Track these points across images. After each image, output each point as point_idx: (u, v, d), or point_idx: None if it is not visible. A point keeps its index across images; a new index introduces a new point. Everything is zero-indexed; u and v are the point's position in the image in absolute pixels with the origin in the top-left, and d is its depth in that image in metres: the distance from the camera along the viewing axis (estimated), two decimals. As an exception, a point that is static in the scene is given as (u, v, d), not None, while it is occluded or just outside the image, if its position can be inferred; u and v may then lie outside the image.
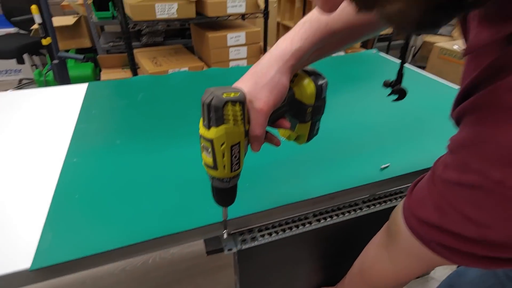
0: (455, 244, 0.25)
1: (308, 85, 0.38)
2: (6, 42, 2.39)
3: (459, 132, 0.25)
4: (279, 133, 0.44)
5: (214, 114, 0.30)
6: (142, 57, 1.73)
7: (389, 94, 0.42)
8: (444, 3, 0.21)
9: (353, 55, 1.13)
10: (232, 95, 0.31)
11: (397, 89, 0.41)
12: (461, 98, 0.24)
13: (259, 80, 0.34)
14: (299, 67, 0.38)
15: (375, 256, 0.39)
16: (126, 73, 1.96)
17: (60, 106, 0.76)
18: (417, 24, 0.20)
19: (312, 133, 0.43)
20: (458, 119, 0.25)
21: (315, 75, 0.39)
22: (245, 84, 0.34)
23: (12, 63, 2.77)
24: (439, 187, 0.25)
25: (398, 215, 0.33)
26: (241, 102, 0.31)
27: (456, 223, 0.24)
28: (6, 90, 2.72)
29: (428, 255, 0.28)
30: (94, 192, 0.49)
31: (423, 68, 2.34)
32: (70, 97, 0.80)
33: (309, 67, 0.40)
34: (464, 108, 0.23)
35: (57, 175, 0.52)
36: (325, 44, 0.37)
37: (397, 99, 0.42)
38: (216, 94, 0.30)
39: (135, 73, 1.59)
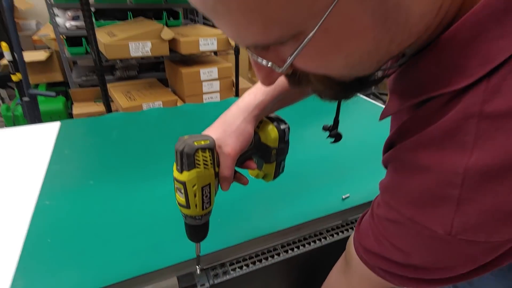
0: (392, 268, 0.30)
1: (272, 130, 0.43)
2: (-30, 77, 2.32)
3: (385, 176, 0.30)
4: (249, 172, 0.48)
5: (186, 160, 0.34)
6: (116, 91, 1.75)
7: (327, 137, 0.48)
8: (348, 86, 0.27)
9: None
10: (202, 142, 0.35)
11: (333, 133, 0.47)
12: (386, 149, 0.30)
13: (227, 129, 0.39)
14: (263, 116, 0.44)
15: (335, 281, 0.43)
16: (99, 106, 1.96)
17: (31, 146, 0.76)
18: (334, 98, 0.27)
19: (277, 172, 0.48)
20: (385, 166, 0.31)
21: (278, 121, 0.44)
22: (214, 132, 0.39)
23: (-25, 96, 2.67)
24: (375, 221, 0.30)
25: (351, 245, 0.38)
26: (210, 148, 0.36)
27: (389, 251, 0.29)
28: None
29: (376, 278, 0.33)
30: (67, 235, 0.49)
31: (385, 95, 2.52)
32: (42, 136, 0.81)
33: (273, 114, 0.46)
34: (386, 158, 0.29)
35: (28, 218, 0.52)
36: (285, 96, 0.43)
37: (334, 142, 0.48)
38: (188, 143, 0.34)
39: (108, 107, 1.60)
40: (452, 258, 0.26)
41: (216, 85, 1.78)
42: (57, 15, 1.91)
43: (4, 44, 1.50)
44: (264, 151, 0.44)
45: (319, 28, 0.20)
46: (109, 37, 1.48)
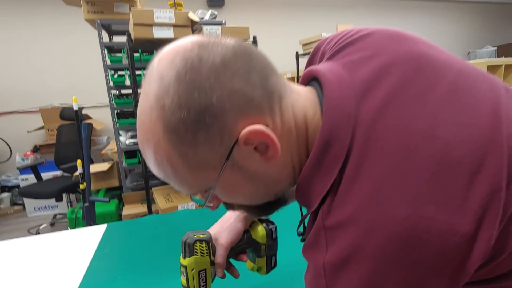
0: None
1: (260, 229, 0.58)
2: (51, 184, 2.86)
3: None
4: (246, 265, 0.61)
5: (187, 248, 0.51)
6: (158, 194, 2.04)
7: (301, 240, 0.60)
8: (262, 208, 0.45)
9: None
10: (201, 236, 0.52)
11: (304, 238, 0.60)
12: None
13: (223, 225, 0.57)
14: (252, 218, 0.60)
15: None
16: (144, 207, 2.25)
17: (81, 246, 0.97)
18: (257, 215, 0.44)
19: (269, 266, 0.60)
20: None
21: (267, 222, 0.59)
22: (214, 228, 0.57)
23: (50, 200, 3.20)
24: None
25: None
26: (207, 241, 0.52)
27: None
28: (41, 224, 3.03)
29: None
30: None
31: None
32: (91, 237, 1.02)
33: (264, 216, 0.60)
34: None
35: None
36: None
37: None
38: (190, 235, 0.52)
39: (149, 208, 1.87)
40: None
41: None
42: (121, 135, 2.42)
43: (79, 161, 1.93)
44: (255, 246, 0.58)
45: (218, 186, 0.38)
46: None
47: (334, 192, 0.34)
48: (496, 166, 0.31)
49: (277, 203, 0.45)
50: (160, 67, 0.34)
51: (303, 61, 3.30)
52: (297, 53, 3.00)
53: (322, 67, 0.41)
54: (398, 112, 0.33)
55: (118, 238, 1.02)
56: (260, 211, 0.46)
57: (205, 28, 1.69)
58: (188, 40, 0.36)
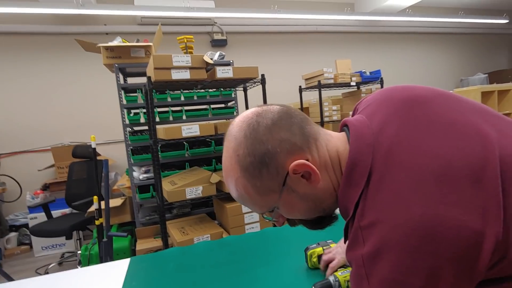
0: None
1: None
2: (61, 222, 2.87)
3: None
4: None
5: None
6: (172, 228, 2.06)
7: None
8: (315, 223, 0.59)
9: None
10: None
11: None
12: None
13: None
14: None
15: None
16: (157, 242, 2.26)
17: (107, 281, 1.00)
18: (313, 228, 0.58)
19: None
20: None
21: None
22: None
23: (59, 238, 3.18)
24: None
25: None
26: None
27: None
28: (49, 264, 3.00)
29: None
30: None
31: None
32: (116, 272, 1.05)
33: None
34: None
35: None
36: None
37: None
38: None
39: (166, 242, 1.89)
40: None
41: (256, 216, 2.04)
42: (134, 170, 2.49)
43: (95, 197, 1.98)
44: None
45: (279, 205, 0.53)
46: (171, 185, 1.90)
47: (364, 199, 0.46)
48: (492, 176, 0.41)
49: (328, 218, 0.58)
50: (234, 131, 0.52)
51: (306, 94, 3.46)
52: (300, 87, 3.16)
53: (351, 118, 0.57)
54: (408, 140, 0.46)
55: (144, 272, 1.05)
56: (314, 224, 0.59)
57: (218, 69, 1.83)
58: (250, 112, 0.54)
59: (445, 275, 0.39)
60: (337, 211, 0.57)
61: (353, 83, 2.91)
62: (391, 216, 0.41)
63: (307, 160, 0.50)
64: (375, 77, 2.96)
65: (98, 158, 3.41)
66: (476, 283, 0.41)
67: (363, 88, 3.03)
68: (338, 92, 3.70)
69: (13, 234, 3.47)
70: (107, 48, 2.21)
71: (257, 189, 0.51)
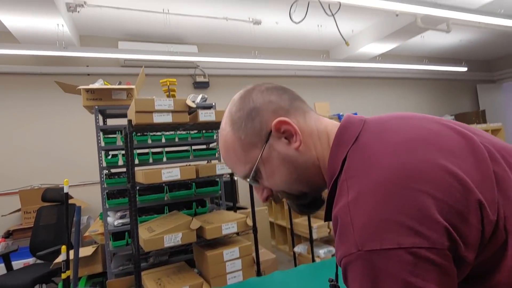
0: None
1: None
2: (23, 275, 2.60)
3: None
4: None
5: None
6: (148, 279, 1.91)
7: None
8: (302, 201, 0.61)
9: (330, 261, 1.34)
10: None
11: (333, 284, 0.62)
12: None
13: None
14: None
15: None
16: (130, 296, 2.07)
17: None
18: (300, 211, 0.60)
19: None
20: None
21: None
22: None
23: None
24: None
25: None
26: None
27: None
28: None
29: None
30: None
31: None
32: None
33: None
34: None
35: None
36: None
37: None
38: None
39: (140, 296, 1.72)
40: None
41: (238, 264, 1.93)
42: (109, 215, 2.35)
43: (64, 247, 1.83)
44: None
45: (260, 164, 0.55)
46: (148, 233, 1.80)
47: (351, 155, 0.49)
48: (480, 150, 0.45)
49: (313, 199, 0.59)
50: (235, 96, 0.59)
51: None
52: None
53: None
54: (387, 133, 0.49)
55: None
56: (299, 200, 0.59)
57: (201, 112, 1.85)
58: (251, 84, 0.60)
59: (432, 211, 0.38)
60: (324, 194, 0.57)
61: (332, 125, 3.01)
62: (377, 163, 0.44)
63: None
64: (352, 120, 3.09)
65: (70, 202, 3.22)
66: (470, 249, 0.40)
67: (342, 130, 3.14)
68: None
69: (-36, 290, 3.09)
70: (87, 90, 2.19)
71: (241, 143, 0.55)
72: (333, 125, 0.56)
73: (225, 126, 0.57)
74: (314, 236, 2.75)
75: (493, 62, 7.37)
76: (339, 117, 3.05)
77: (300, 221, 3.02)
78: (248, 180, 0.57)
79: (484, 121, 6.25)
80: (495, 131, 4.48)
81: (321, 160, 0.54)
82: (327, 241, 3.00)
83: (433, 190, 0.39)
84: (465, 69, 5.37)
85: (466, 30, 5.03)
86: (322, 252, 2.80)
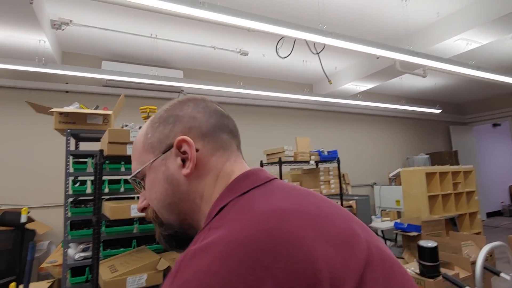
0: None
1: None
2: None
3: None
4: None
5: None
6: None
7: None
8: (167, 236, 0.55)
9: None
10: None
11: None
12: None
13: None
14: None
15: None
16: None
17: None
18: (163, 243, 0.54)
19: None
20: None
21: None
22: None
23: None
24: None
25: None
26: None
27: None
28: None
29: None
30: None
31: None
32: None
33: None
34: None
35: None
36: None
37: None
38: None
39: None
40: None
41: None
42: (69, 247, 2.18)
43: (12, 285, 1.66)
44: None
45: (148, 170, 0.52)
46: (110, 272, 1.66)
47: (227, 208, 0.45)
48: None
49: (185, 239, 0.53)
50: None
51: (267, 168, 3.51)
52: (261, 162, 3.20)
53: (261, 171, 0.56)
54: (272, 197, 0.45)
55: None
56: (162, 228, 0.54)
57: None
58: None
59: None
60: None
61: (312, 162, 3.01)
62: (237, 223, 0.39)
63: (197, 150, 0.50)
64: (332, 157, 3.11)
65: (31, 226, 2.99)
66: None
67: (322, 166, 3.15)
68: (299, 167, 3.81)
69: None
70: (61, 113, 2.09)
71: (145, 140, 0.53)
72: (241, 174, 0.52)
73: (144, 127, 0.57)
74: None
75: (464, 105, 7.83)
76: (319, 154, 3.07)
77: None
78: (129, 178, 0.56)
79: (457, 163, 6.52)
80: (467, 173, 4.64)
81: (205, 201, 0.50)
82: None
83: (277, 273, 0.34)
84: (439, 111, 5.65)
85: (441, 76, 5.35)
86: None
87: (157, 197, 0.52)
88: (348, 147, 5.86)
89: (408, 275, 0.45)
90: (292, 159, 2.89)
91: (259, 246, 0.36)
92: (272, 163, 2.98)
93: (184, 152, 0.50)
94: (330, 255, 0.37)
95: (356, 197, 3.92)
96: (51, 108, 2.11)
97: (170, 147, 0.51)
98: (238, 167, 0.52)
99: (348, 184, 5.25)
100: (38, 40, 3.02)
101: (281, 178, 2.94)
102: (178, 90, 4.43)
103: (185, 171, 0.49)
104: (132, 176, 0.54)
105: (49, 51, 3.21)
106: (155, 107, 2.35)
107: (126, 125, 2.25)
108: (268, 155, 3.09)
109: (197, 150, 0.50)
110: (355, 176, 5.72)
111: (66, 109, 2.12)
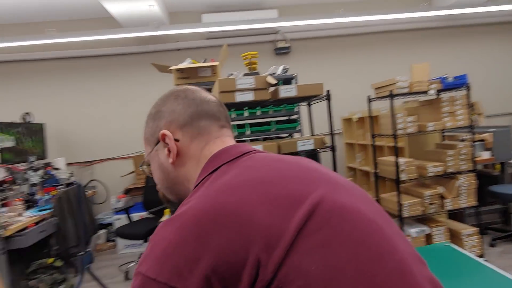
0: None
1: None
2: (139, 226, 3.17)
3: None
4: None
5: None
6: None
7: None
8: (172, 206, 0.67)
9: (423, 249, 1.23)
10: None
11: None
12: None
13: None
14: None
15: None
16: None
17: None
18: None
19: None
20: None
21: None
22: None
23: (139, 241, 3.51)
24: None
25: None
26: None
27: None
28: (130, 262, 3.32)
29: None
30: None
31: None
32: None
33: None
34: None
35: None
36: None
37: None
38: None
39: None
40: None
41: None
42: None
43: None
44: None
45: (150, 158, 0.63)
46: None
47: (200, 185, 0.52)
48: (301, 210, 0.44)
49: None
50: None
51: (375, 104, 3.22)
52: (368, 97, 2.95)
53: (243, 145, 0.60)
54: (246, 172, 0.50)
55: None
56: (169, 204, 0.67)
57: (281, 88, 1.80)
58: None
59: (204, 258, 0.39)
60: None
61: (432, 92, 2.59)
62: (197, 199, 0.45)
63: (177, 140, 0.58)
64: (459, 83, 2.58)
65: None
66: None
67: (445, 95, 2.67)
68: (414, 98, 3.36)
69: (102, 232, 3.97)
70: (178, 70, 2.35)
71: (144, 135, 0.63)
72: (214, 153, 0.58)
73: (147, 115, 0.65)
74: (405, 214, 2.55)
75: None
76: (442, 81, 2.59)
77: (387, 197, 2.82)
78: (139, 167, 0.67)
79: None
80: None
81: (191, 183, 0.57)
82: (420, 219, 2.75)
83: (218, 236, 0.40)
84: None
85: None
86: (414, 231, 2.59)
87: (158, 182, 0.63)
88: (481, 69, 4.75)
89: (377, 225, 0.45)
90: (406, 90, 2.55)
91: (205, 216, 0.42)
92: (382, 97, 2.70)
93: (167, 143, 0.58)
94: (270, 214, 0.41)
95: (493, 129, 3.26)
96: (170, 67, 2.39)
97: (158, 141, 0.59)
98: (218, 147, 0.57)
99: (481, 114, 4.38)
100: (148, 5, 3.35)
101: (392, 113, 2.65)
102: (274, 31, 4.32)
103: (170, 160, 0.58)
104: (141, 166, 0.66)
105: (158, 14, 3.54)
106: (256, 52, 2.37)
107: (231, 74, 2.38)
108: (376, 88, 2.81)
109: (178, 140, 0.58)
110: (490, 105, 4.70)
111: (181, 65, 2.37)
